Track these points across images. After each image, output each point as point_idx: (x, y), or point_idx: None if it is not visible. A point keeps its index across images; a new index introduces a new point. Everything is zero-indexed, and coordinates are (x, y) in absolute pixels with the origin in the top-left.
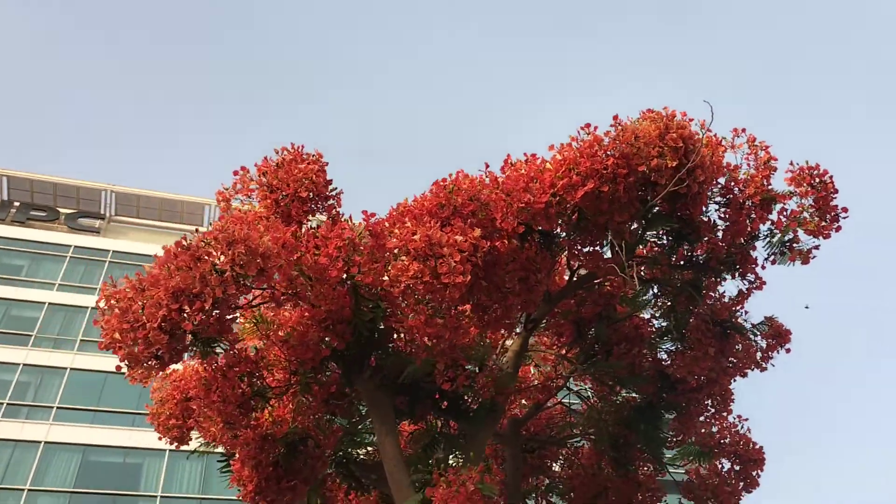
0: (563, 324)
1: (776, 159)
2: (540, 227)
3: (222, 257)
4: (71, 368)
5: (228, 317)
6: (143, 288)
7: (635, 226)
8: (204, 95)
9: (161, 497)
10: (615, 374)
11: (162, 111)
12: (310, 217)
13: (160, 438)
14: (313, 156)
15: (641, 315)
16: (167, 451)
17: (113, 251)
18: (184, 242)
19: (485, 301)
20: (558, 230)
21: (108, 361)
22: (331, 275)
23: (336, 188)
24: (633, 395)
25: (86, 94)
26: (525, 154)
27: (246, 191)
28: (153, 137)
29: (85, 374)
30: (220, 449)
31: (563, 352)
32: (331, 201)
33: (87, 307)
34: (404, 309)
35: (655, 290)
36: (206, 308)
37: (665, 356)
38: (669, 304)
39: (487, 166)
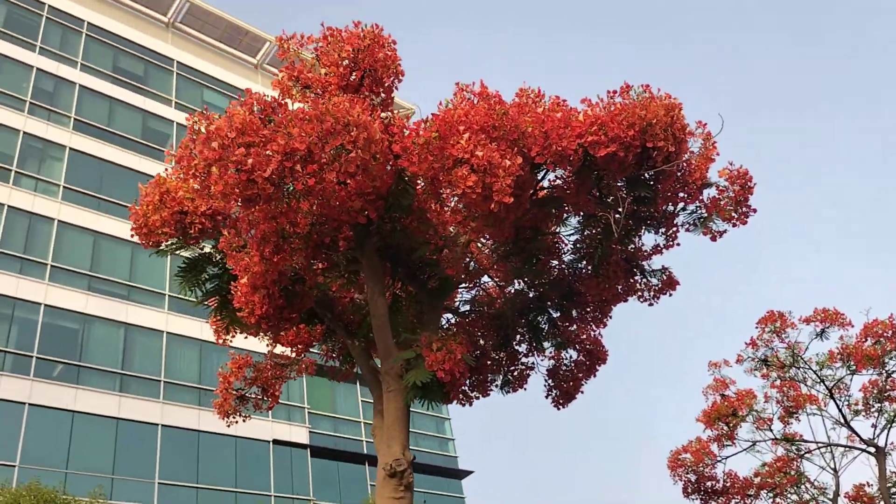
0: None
1: (719, 154)
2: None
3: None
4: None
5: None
6: (244, 131)
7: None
8: None
9: None
10: (535, 276)
11: None
12: (372, 97)
13: (132, 236)
14: (389, 41)
15: (562, 235)
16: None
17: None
18: (313, 109)
19: (502, 214)
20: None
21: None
22: (400, 163)
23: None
24: (529, 291)
25: None
26: (557, 97)
27: (323, 57)
28: None
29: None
30: (186, 253)
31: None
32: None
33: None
34: (430, 200)
35: (578, 221)
36: (325, 176)
37: (574, 272)
38: (599, 239)
39: (538, 95)
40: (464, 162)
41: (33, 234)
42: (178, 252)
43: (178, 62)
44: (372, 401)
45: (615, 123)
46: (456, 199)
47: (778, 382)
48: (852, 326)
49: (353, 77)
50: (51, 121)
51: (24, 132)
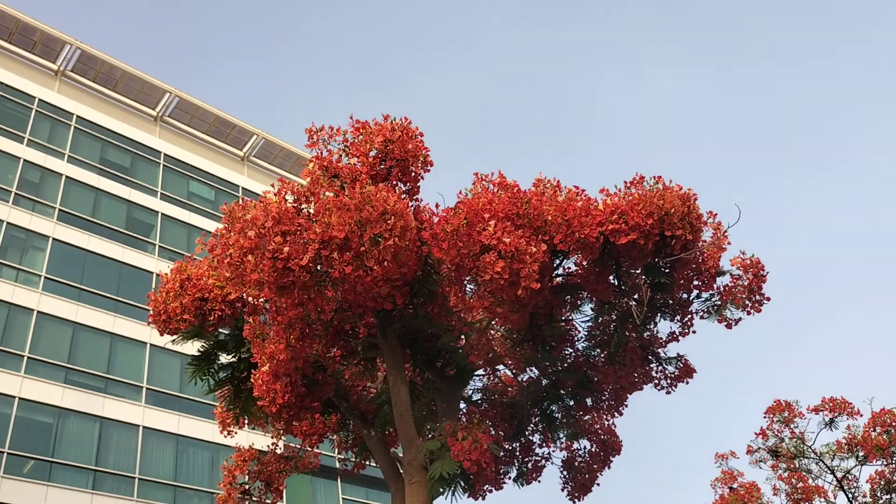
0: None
1: (730, 244)
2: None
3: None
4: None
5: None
6: (281, 220)
7: (638, 270)
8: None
9: None
10: (550, 362)
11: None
12: (400, 185)
13: (148, 324)
14: (416, 133)
15: (574, 322)
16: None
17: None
18: (348, 199)
19: (523, 300)
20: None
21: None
22: (433, 251)
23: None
24: (542, 379)
25: None
26: (576, 187)
27: (352, 147)
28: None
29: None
30: (196, 345)
31: (500, 333)
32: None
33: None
34: (455, 287)
35: (591, 308)
36: (361, 264)
37: (589, 359)
38: (614, 326)
39: (557, 185)
40: (491, 248)
41: (11, 326)
42: (191, 341)
43: (164, 154)
44: (354, 499)
45: (635, 212)
46: (476, 285)
47: (786, 474)
48: (861, 416)
49: (382, 167)
50: (35, 211)
51: (8, 222)
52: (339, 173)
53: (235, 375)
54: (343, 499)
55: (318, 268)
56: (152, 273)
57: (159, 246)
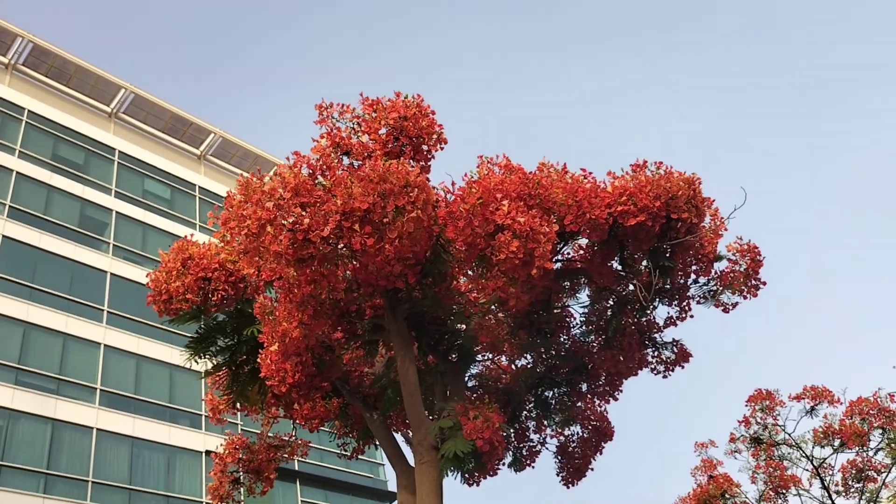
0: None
1: (727, 230)
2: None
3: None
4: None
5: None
6: (299, 192)
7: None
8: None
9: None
10: (547, 349)
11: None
12: (411, 162)
13: (148, 304)
14: (429, 111)
15: (570, 308)
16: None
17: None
18: (370, 171)
19: (534, 280)
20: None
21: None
22: (447, 231)
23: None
24: (538, 365)
25: None
26: (583, 170)
27: (364, 123)
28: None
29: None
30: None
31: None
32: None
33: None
34: (463, 267)
35: (588, 293)
36: (386, 236)
37: (584, 345)
38: (610, 312)
39: (563, 169)
40: (505, 228)
41: None
42: (189, 322)
43: (119, 151)
44: (313, 501)
45: (643, 194)
46: (483, 268)
47: (763, 463)
48: (840, 403)
49: (394, 145)
50: None
51: None
52: (350, 150)
53: (233, 359)
54: (302, 501)
55: (340, 241)
56: (106, 272)
57: (113, 245)
